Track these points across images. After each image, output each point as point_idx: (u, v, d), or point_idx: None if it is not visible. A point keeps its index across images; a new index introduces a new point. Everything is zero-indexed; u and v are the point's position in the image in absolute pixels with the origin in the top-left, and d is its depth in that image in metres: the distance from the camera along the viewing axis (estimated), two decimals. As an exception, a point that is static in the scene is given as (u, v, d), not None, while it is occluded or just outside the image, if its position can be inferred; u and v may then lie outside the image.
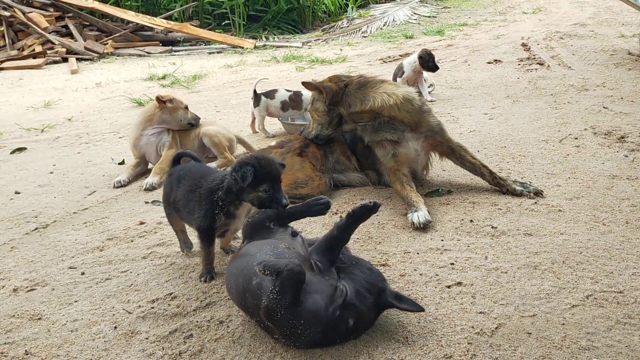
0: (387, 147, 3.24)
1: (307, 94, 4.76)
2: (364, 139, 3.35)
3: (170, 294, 2.39)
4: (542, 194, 3.16)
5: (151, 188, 3.72)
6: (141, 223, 3.16)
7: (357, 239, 2.79)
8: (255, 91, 4.72)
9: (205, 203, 2.40)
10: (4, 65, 9.07)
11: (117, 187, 3.81)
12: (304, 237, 2.41)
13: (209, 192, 2.40)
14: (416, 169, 3.38)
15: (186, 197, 2.48)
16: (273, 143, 3.90)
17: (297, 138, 3.64)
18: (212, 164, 3.88)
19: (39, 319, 2.28)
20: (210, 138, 4.08)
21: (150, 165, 4.14)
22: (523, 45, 8.43)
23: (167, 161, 3.89)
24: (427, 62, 5.57)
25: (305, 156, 3.47)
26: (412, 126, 3.24)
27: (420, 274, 2.42)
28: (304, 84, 3.45)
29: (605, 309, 2.11)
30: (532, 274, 2.37)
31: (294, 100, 4.72)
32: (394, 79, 5.76)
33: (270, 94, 4.74)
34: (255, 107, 4.74)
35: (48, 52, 9.57)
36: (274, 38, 11.12)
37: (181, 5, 11.26)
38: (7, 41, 9.83)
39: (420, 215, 2.88)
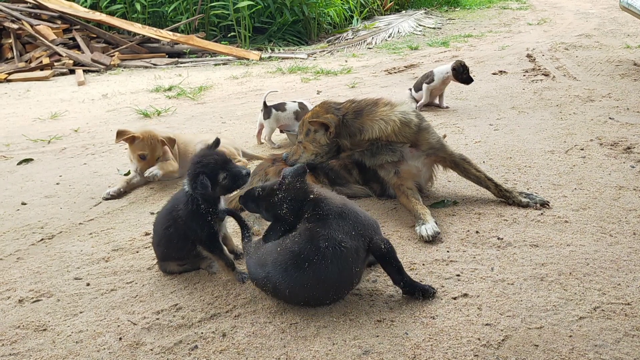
0: (389, 167, 3.25)
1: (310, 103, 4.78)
2: (365, 163, 3.33)
3: (175, 305, 2.39)
4: (548, 205, 3.15)
5: (154, 179, 3.77)
6: (146, 234, 3.16)
7: (363, 250, 2.78)
8: (265, 103, 4.74)
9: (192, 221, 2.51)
10: (11, 77, 9.14)
11: (107, 199, 3.81)
12: None
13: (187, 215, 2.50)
14: (420, 182, 3.37)
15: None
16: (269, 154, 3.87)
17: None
18: None
19: (44, 329, 2.28)
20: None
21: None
22: (528, 56, 8.43)
23: (171, 163, 3.98)
24: (462, 74, 5.53)
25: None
26: (412, 144, 3.23)
27: (426, 286, 2.41)
28: (311, 122, 3.29)
29: (613, 321, 2.09)
30: (539, 286, 2.36)
31: (304, 110, 4.73)
32: (419, 86, 5.75)
33: (280, 107, 4.76)
34: (265, 119, 4.75)
35: (55, 64, 9.65)
36: (279, 49, 11.17)
37: (187, 18, 11.33)
38: (15, 53, 9.92)
39: (428, 228, 2.87)
